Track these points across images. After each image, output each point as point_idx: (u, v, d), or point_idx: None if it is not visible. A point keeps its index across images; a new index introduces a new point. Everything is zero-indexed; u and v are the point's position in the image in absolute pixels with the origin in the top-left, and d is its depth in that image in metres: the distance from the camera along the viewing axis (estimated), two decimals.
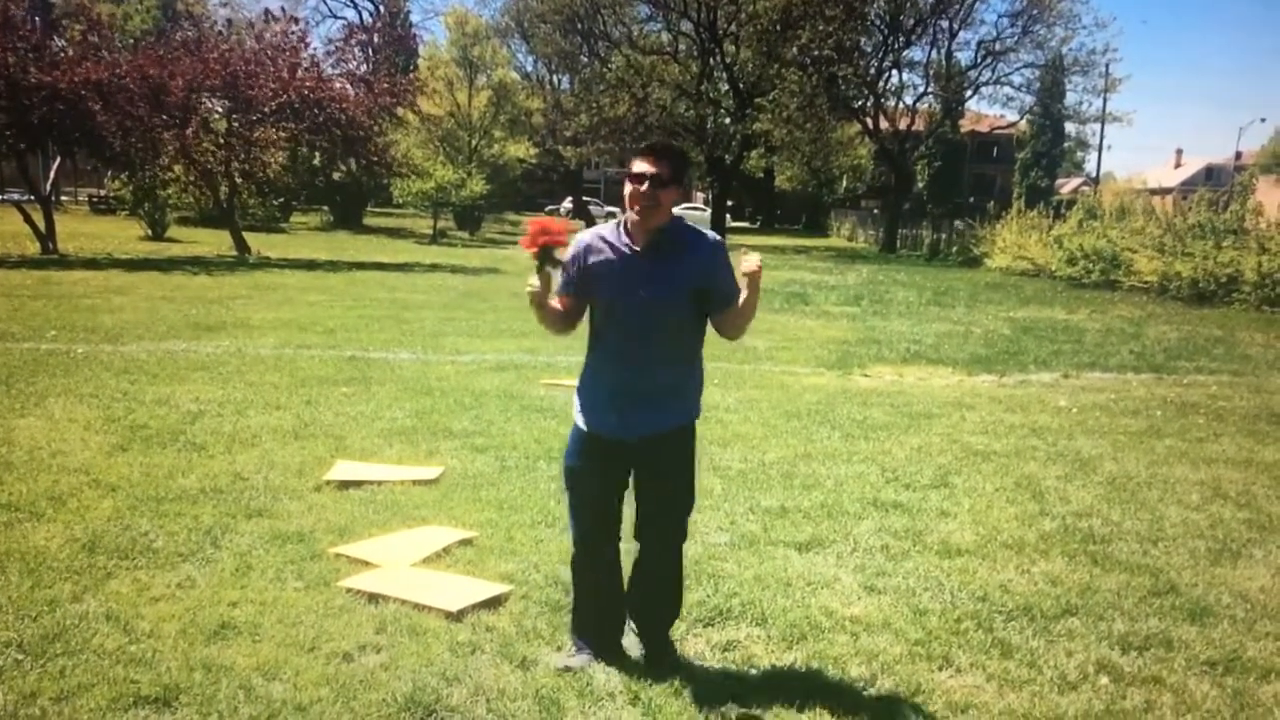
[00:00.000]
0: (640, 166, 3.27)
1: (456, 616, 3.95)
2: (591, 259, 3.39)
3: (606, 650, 3.62)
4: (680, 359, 3.46)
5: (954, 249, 35.06)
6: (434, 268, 23.27)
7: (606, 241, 3.40)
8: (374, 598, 4.10)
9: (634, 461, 3.46)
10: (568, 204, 62.69)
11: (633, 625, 3.70)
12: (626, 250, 3.35)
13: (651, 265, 3.32)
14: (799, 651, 3.78)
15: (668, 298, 3.32)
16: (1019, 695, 3.51)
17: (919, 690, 3.51)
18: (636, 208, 3.29)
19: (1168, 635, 4.03)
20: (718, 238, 3.44)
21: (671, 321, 3.37)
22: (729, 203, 48.43)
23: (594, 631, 3.66)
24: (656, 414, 3.41)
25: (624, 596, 3.67)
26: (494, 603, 4.10)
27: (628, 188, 3.30)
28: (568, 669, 3.52)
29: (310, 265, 22.18)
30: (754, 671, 3.62)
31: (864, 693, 3.49)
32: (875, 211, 52.72)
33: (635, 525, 3.54)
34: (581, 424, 3.49)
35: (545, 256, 3.31)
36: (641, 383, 3.38)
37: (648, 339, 3.35)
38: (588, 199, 58.70)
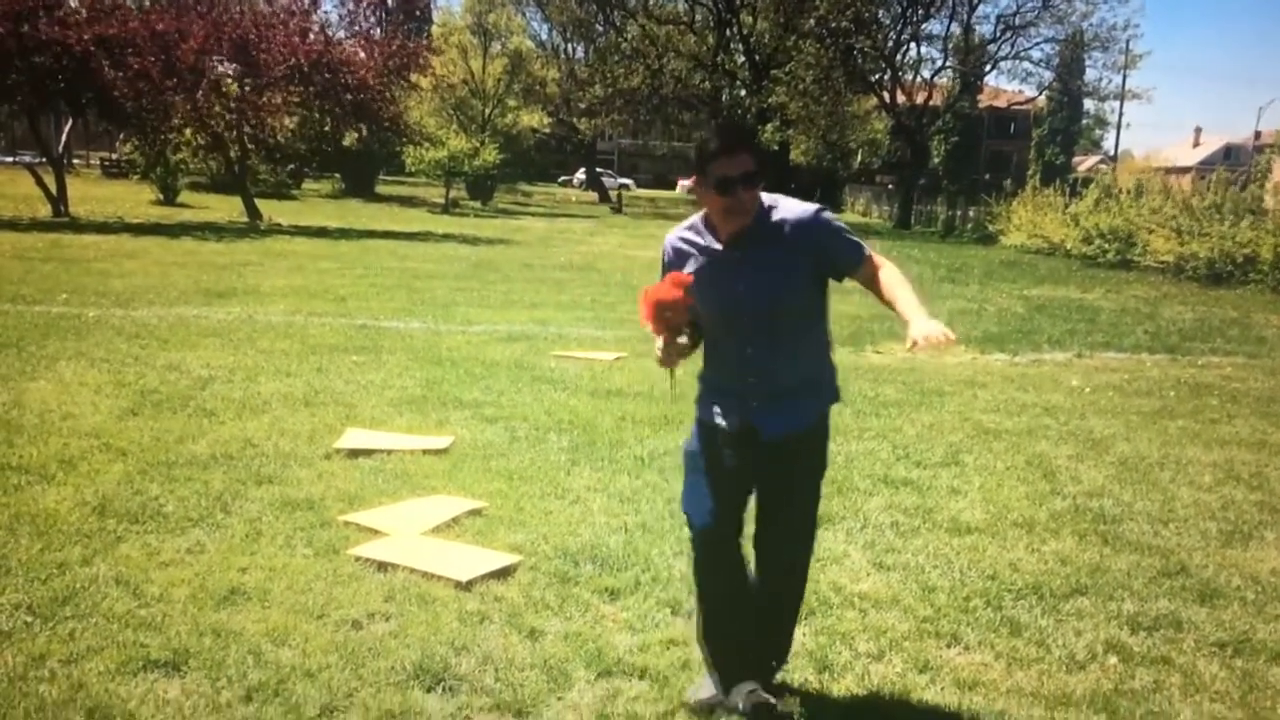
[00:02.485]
0: (728, 169, 2.78)
1: (465, 586, 3.95)
2: (680, 263, 2.97)
3: (737, 673, 3.11)
4: (808, 348, 3.02)
5: (969, 226, 34.89)
6: (446, 237, 23.24)
7: (691, 243, 2.98)
8: (383, 566, 4.11)
9: (763, 460, 3.04)
10: (581, 175, 62.58)
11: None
12: (712, 248, 2.93)
13: (745, 257, 2.89)
14: (807, 627, 3.76)
15: (771, 287, 2.88)
16: (1027, 674, 3.50)
17: (927, 667, 3.50)
18: (732, 218, 2.85)
19: (1177, 616, 4.01)
20: (815, 206, 2.95)
21: (784, 312, 2.93)
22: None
23: (728, 650, 3.15)
24: (792, 415, 3.00)
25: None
26: (503, 573, 4.11)
27: (711, 196, 2.84)
28: (707, 705, 3.13)
29: (321, 232, 22.17)
30: None
31: (872, 669, 3.48)
32: (890, 187, 52.50)
33: (755, 536, 3.14)
34: (700, 414, 3.11)
35: (673, 328, 2.90)
36: (768, 386, 2.97)
37: (764, 338, 2.93)
38: (601, 170, 58.53)
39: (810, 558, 3.22)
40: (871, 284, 2.94)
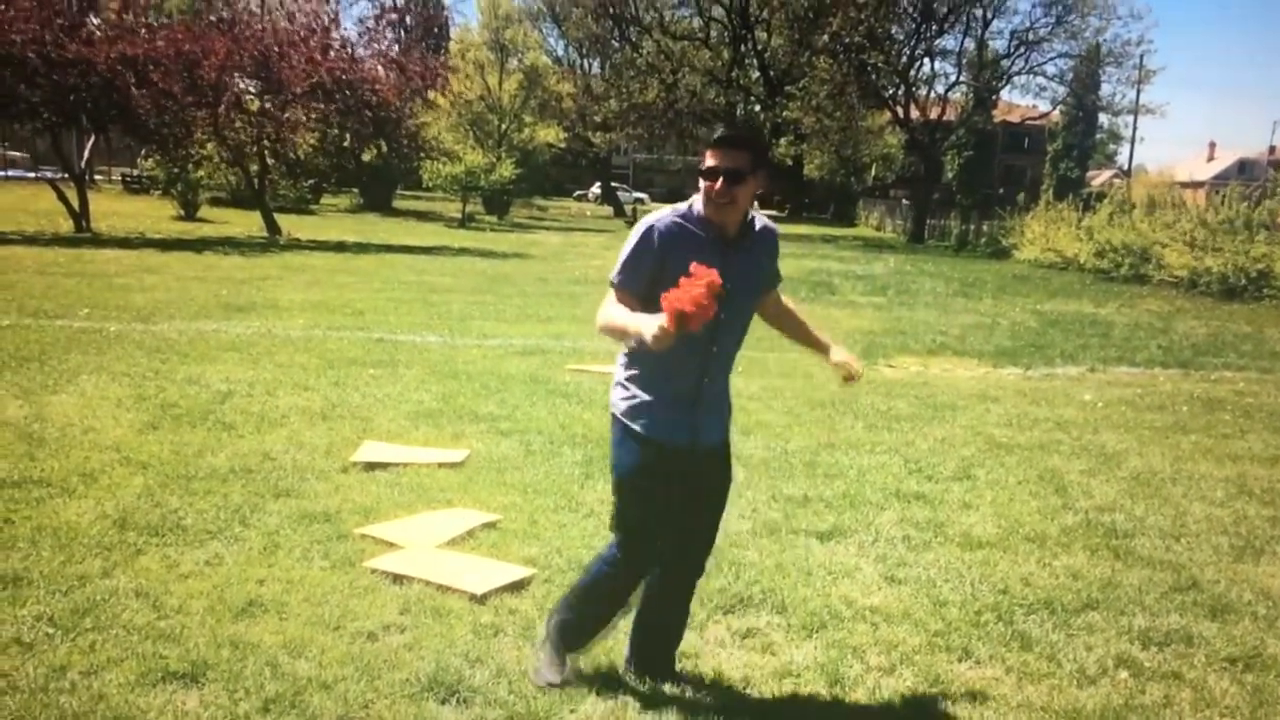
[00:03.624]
0: (710, 161, 2.94)
1: (480, 599, 3.99)
2: (674, 249, 2.96)
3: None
4: (735, 359, 3.23)
5: (982, 240, 34.85)
6: (462, 251, 23.33)
7: (687, 230, 3.01)
8: (398, 578, 4.15)
9: (693, 473, 3.18)
10: (596, 189, 62.70)
11: (629, 656, 3.47)
12: (710, 240, 3.00)
13: (739, 258, 3.03)
14: (818, 640, 3.80)
15: (753, 293, 3.14)
16: (1038, 688, 3.52)
17: (938, 681, 3.53)
18: (712, 206, 2.98)
19: (1188, 631, 4.02)
20: (775, 225, 3.21)
21: (749, 312, 3.19)
22: (757, 190, 48.35)
23: (582, 647, 3.47)
24: (721, 419, 3.23)
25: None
26: (517, 586, 4.15)
27: (701, 183, 2.99)
28: (552, 685, 3.33)
29: (339, 247, 22.29)
30: (773, 659, 3.65)
31: (883, 683, 3.51)
32: (904, 201, 52.41)
33: (674, 540, 3.25)
34: (646, 432, 3.11)
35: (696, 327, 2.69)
36: (714, 387, 3.14)
37: (728, 338, 3.10)
38: (616, 185, 58.65)
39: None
40: (775, 304, 3.40)
